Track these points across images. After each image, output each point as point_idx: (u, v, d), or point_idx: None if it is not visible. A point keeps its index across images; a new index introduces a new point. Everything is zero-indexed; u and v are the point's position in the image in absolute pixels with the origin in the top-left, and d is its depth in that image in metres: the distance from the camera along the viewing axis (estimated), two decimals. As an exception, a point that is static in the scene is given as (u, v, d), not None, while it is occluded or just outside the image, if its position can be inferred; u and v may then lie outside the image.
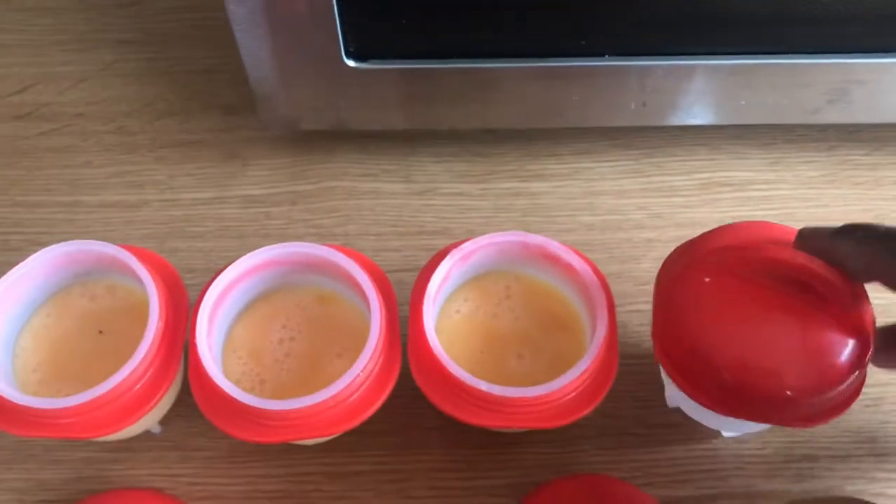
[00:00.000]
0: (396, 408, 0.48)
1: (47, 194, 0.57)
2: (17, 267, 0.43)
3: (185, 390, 0.47)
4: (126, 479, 0.48)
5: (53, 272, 0.44)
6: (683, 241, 0.44)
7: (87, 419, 0.40)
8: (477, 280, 0.46)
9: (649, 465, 0.48)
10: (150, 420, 0.46)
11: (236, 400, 0.39)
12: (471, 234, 0.54)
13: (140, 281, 0.45)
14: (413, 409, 0.49)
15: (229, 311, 0.44)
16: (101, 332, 0.45)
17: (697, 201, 0.56)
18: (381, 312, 0.41)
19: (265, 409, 0.39)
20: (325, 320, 0.45)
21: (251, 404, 0.39)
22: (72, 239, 0.53)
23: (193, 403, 0.48)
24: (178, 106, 0.60)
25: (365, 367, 0.40)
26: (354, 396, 0.41)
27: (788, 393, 0.36)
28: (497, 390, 0.39)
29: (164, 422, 0.49)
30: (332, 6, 0.46)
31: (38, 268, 0.43)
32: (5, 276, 0.43)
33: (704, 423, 0.44)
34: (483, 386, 0.39)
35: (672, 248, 0.44)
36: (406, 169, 0.58)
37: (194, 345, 0.41)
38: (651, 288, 0.43)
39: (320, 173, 0.58)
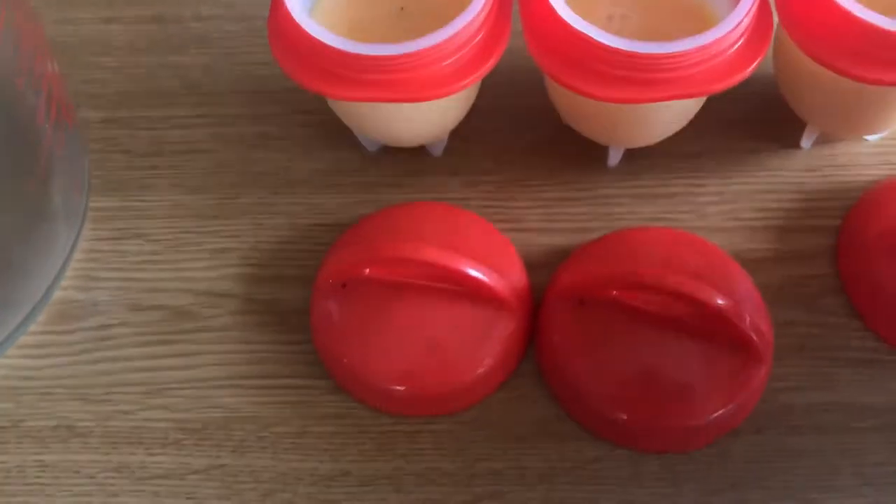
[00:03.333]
0: (707, 129, 0.43)
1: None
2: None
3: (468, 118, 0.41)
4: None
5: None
6: None
7: (423, 74, 0.34)
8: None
9: None
10: (447, 118, 0.40)
11: (595, 42, 0.34)
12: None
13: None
14: (726, 133, 0.43)
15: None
16: (402, 8, 0.39)
17: None
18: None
19: (618, 49, 0.33)
20: None
21: (616, 47, 0.33)
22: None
23: (475, 130, 0.43)
24: None
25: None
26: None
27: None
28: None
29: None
30: None
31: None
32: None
33: None
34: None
35: None
36: None
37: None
38: None
39: None
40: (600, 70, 0.34)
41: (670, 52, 0.33)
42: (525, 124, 0.44)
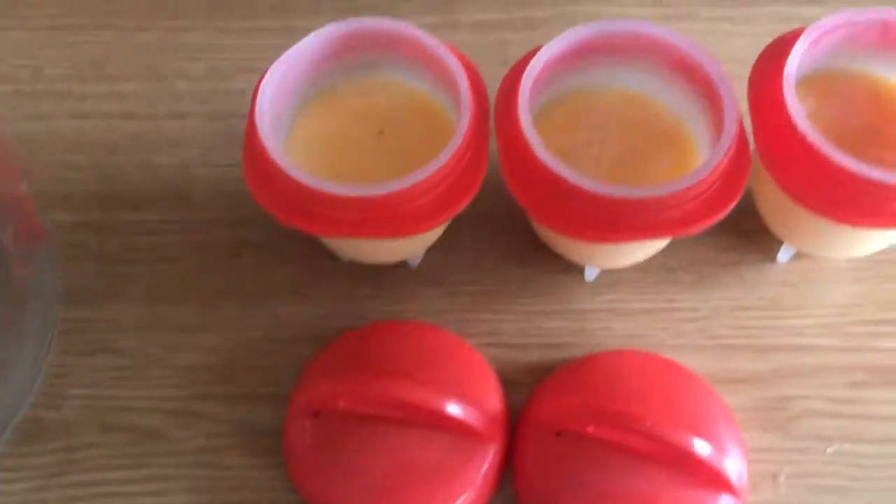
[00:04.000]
0: (684, 241, 0.42)
1: (253, 19, 0.51)
2: (281, 58, 0.37)
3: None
4: (385, 315, 0.42)
5: (320, 64, 0.38)
6: None
7: (401, 212, 0.34)
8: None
9: None
10: (426, 239, 0.40)
11: (569, 183, 0.33)
12: (740, 63, 0.48)
13: (418, 76, 0.39)
14: (703, 245, 0.43)
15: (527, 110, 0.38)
16: (381, 132, 0.38)
17: None
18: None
19: (594, 192, 0.33)
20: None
21: (593, 190, 0.33)
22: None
23: (453, 237, 0.42)
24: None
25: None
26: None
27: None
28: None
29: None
30: None
31: (307, 57, 0.37)
32: (271, 70, 0.36)
33: None
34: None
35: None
36: (655, -8, 0.51)
37: (516, 121, 0.35)
38: None
39: (559, -3, 0.51)
40: (576, 209, 0.34)
41: (647, 196, 0.33)
42: (502, 232, 0.44)
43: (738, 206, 0.43)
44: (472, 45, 0.49)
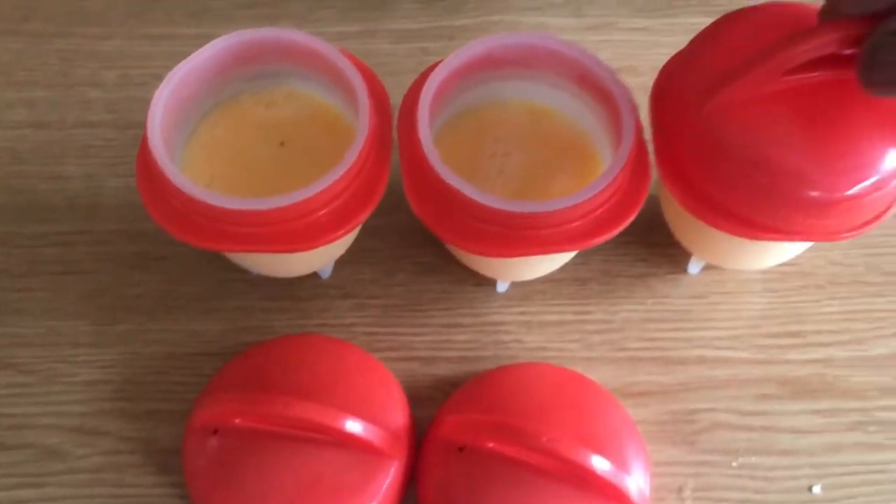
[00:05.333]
0: (596, 253, 0.43)
1: (170, 26, 0.50)
2: (178, 66, 0.36)
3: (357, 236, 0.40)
4: (293, 329, 0.41)
5: (220, 73, 0.37)
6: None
7: (297, 226, 0.34)
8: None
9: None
10: (332, 252, 0.39)
11: (467, 198, 0.33)
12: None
13: (322, 87, 0.38)
14: (614, 256, 0.43)
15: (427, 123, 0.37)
16: (282, 143, 0.38)
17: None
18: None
19: (491, 207, 0.33)
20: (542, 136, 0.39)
21: (487, 205, 0.33)
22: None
23: (364, 249, 0.42)
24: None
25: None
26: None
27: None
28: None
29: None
30: None
31: (205, 66, 0.36)
32: (167, 79, 0.36)
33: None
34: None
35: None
36: (576, 2, 0.51)
37: (416, 135, 0.34)
38: None
39: (480, 6, 0.51)
40: (474, 225, 0.34)
41: (544, 210, 0.33)
42: (413, 241, 0.44)
43: (649, 219, 0.44)
44: (390, 53, 0.49)
